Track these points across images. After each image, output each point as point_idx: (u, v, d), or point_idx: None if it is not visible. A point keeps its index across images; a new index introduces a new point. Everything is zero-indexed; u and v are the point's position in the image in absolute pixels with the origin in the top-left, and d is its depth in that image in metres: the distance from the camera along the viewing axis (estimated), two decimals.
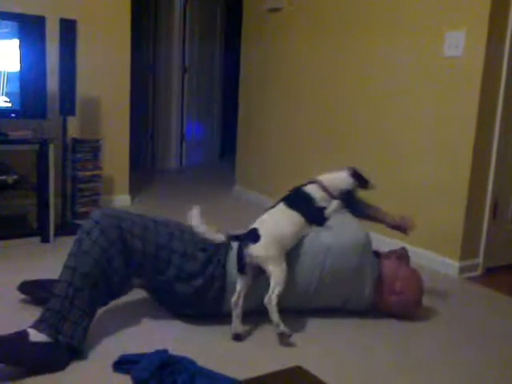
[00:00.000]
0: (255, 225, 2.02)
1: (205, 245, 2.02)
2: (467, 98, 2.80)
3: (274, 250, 1.95)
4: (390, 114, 3.24)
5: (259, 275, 1.97)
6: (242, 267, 1.95)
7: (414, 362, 1.94)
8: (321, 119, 3.78)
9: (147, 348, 1.80)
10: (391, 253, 2.34)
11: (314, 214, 2.15)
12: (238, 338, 1.97)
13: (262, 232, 1.97)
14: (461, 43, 2.80)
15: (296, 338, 1.99)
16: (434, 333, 2.19)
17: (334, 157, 3.66)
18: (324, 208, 2.18)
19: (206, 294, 2.01)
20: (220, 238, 1.97)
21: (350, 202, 2.23)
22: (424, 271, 2.74)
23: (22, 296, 2.23)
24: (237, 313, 1.97)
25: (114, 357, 1.74)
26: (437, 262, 2.97)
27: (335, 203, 2.19)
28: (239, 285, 1.97)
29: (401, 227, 2.38)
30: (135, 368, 1.66)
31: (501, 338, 2.19)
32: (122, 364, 1.72)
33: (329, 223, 2.17)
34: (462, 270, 2.91)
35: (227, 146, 6.33)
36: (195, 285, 1.99)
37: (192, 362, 1.71)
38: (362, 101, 3.44)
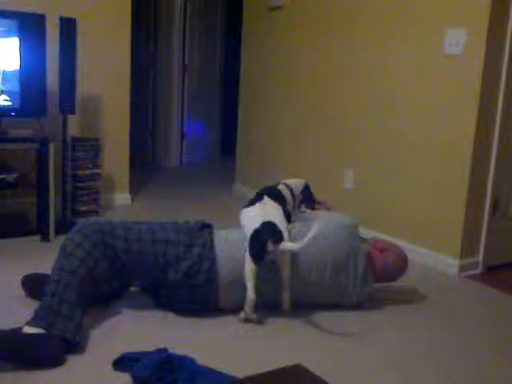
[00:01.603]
0: (266, 218, 2.04)
1: (188, 230, 2.11)
2: (467, 95, 2.80)
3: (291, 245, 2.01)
4: (390, 112, 3.24)
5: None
6: (261, 258, 1.99)
7: (413, 359, 1.94)
8: (321, 117, 3.78)
9: (147, 347, 1.80)
10: None
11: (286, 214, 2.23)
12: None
13: (281, 228, 2.01)
14: (461, 41, 2.80)
15: (296, 336, 1.99)
16: (434, 330, 2.19)
17: (333, 155, 3.66)
18: (289, 212, 2.28)
19: (196, 276, 2.04)
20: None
21: (308, 195, 2.40)
22: (424, 269, 2.75)
23: (22, 294, 2.23)
24: (253, 304, 2.03)
25: (115, 355, 1.74)
26: (436, 259, 2.97)
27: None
28: (252, 278, 2.00)
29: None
30: (135, 366, 1.67)
31: (501, 336, 2.19)
32: (123, 362, 1.72)
33: (316, 214, 2.30)
34: (461, 268, 2.91)
35: (227, 144, 6.33)
36: (183, 268, 2.03)
37: (192, 361, 1.71)
38: (362, 99, 3.44)
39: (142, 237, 2.04)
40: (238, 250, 2.07)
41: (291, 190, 2.32)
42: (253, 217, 2.10)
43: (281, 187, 2.31)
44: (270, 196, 2.20)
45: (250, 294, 2.00)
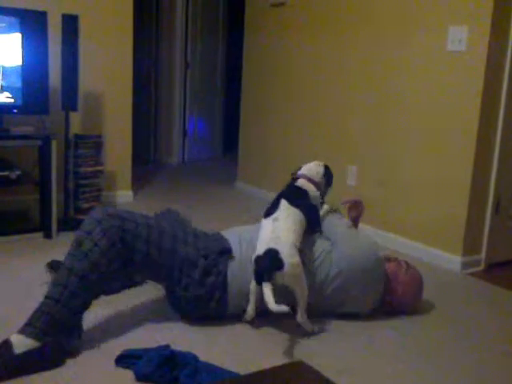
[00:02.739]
0: (271, 244, 1.90)
1: (206, 251, 2.00)
2: (470, 92, 2.79)
3: (298, 268, 1.89)
4: (393, 108, 3.23)
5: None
6: (260, 284, 1.86)
7: (415, 357, 1.94)
8: (324, 114, 3.78)
9: (150, 344, 1.80)
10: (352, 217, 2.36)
11: (311, 210, 2.14)
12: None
13: (285, 253, 1.87)
14: (464, 38, 2.79)
15: (298, 335, 1.99)
16: (435, 328, 2.19)
17: (335, 152, 3.65)
18: (316, 206, 2.18)
19: (207, 303, 1.99)
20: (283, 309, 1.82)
21: (330, 176, 2.30)
22: (426, 266, 2.75)
23: (26, 289, 2.23)
24: (251, 319, 2.00)
25: (117, 352, 1.75)
26: (439, 257, 2.96)
27: (325, 208, 2.23)
28: (253, 295, 1.96)
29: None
30: (138, 363, 1.67)
31: (502, 334, 2.19)
32: (125, 359, 1.72)
33: (340, 238, 2.14)
34: (464, 265, 2.90)
35: (229, 141, 6.33)
36: (195, 293, 1.97)
37: (194, 357, 1.71)
38: (365, 96, 3.43)
39: (161, 243, 1.93)
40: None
41: (311, 180, 2.21)
42: (261, 237, 1.98)
43: (300, 182, 2.21)
44: (289, 199, 2.08)
45: (249, 309, 1.98)
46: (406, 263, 2.27)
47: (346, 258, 2.08)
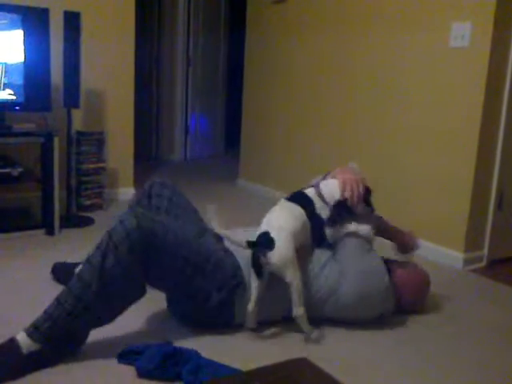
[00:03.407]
0: (264, 227, 1.90)
1: (222, 283, 1.91)
2: (473, 88, 2.78)
3: (290, 253, 1.84)
4: (396, 104, 3.23)
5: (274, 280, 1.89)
6: (259, 273, 1.86)
7: (417, 354, 1.94)
8: (325, 112, 3.77)
9: (152, 340, 1.80)
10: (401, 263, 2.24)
11: (315, 220, 2.02)
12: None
13: (274, 235, 1.84)
14: (467, 34, 2.78)
15: (300, 333, 1.99)
16: (437, 324, 2.19)
17: (337, 149, 3.65)
18: (322, 219, 2.03)
19: (214, 319, 1.96)
20: (242, 243, 1.84)
21: (342, 214, 2.06)
22: (428, 263, 2.74)
23: (27, 288, 2.23)
24: (252, 320, 1.93)
25: (119, 348, 1.75)
26: (441, 253, 2.96)
27: (351, 228, 2.06)
28: (256, 291, 1.89)
29: (409, 245, 2.29)
30: (140, 359, 1.67)
31: (504, 330, 2.19)
32: (127, 355, 1.72)
33: (352, 265, 2.03)
34: (466, 261, 2.90)
35: (231, 138, 6.33)
36: (204, 307, 1.92)
37: (196, 353, 1.71)
38: (367, 93, 3.43)
39: (187, 261, 1.83)
40: None
41: (320, 196, 2.04)
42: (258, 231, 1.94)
43: (308, 190, 2.07)
44: (289, 199, 2.04)
45: (250, 306, 1.90)
46: (414, 265, 2.22)
47: (353, 288, 2.00)
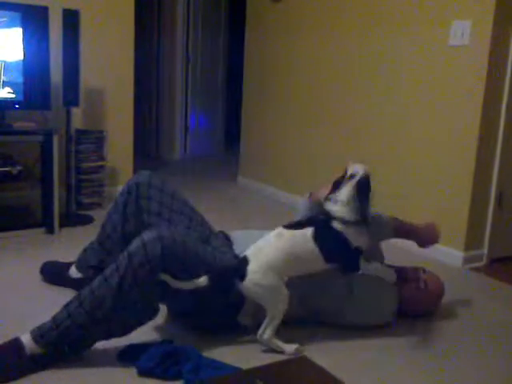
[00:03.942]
0: (251, 251, 1.84)
1: (227, 286, 1.86)
2: (473, 86, 2.78)
3: (261, 289, 1.79)
4: (395, 103, 3.22)
5: None
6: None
7: (417, 353, 1.94)
8: (325, 110, 3.77)
9: (152, 339, 1.80)
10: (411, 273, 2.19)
11: (348, 258, 1.88)
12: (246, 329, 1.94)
13: (253, 267, 1.79)
14: (467, 32, 2.78)
15: (301, 333, 1.99)
16: (437, 323, 2.19)
17: (338, 147, 3.64)
18: (359, 250, 1.85)
19: (216, 320, 1.95)
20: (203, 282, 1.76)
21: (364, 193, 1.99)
22: (428, 262, 2.74)
23: (27, 285, 2.23)
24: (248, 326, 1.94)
25: (119, 347, 1.75)
26: (441, 252, 2.95)
27: (374, 267, 1.97)
28: (246, 305, 1.91)
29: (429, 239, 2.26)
30: (140, 358, 1.67)
31: (504, 329, 2.19)
32: (127, 354, 1.72)
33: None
34: (466, 260, 2.90)
35: (231, 136, 6.32)
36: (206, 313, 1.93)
37: (197, 353, 1.72)
38: (367, 90, 3.42)
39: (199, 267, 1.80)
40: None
41: (347, 223, 1.85)
42: (259, 241, 1.89)
43: (336, 224, 1.85)
44: (316, 233, 1.84)
45: (266, 334, 1.84)
46: (425, 281, 2.15)
47: (359, 311, 2.04)
